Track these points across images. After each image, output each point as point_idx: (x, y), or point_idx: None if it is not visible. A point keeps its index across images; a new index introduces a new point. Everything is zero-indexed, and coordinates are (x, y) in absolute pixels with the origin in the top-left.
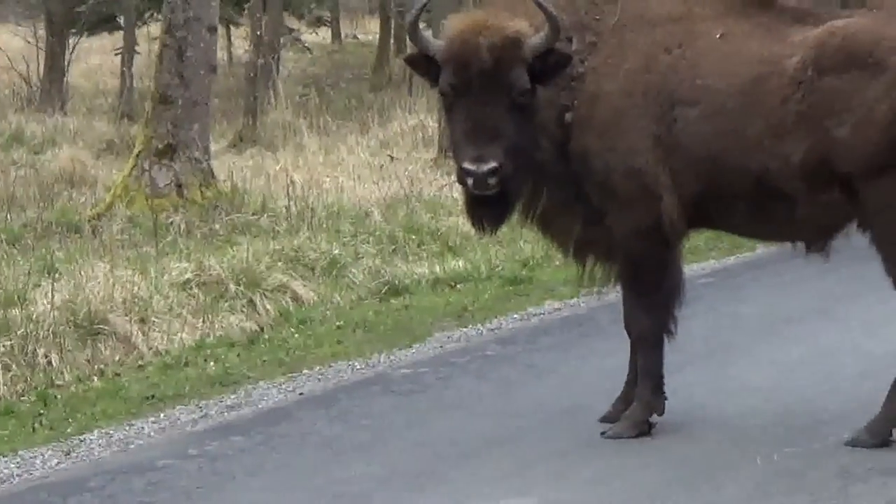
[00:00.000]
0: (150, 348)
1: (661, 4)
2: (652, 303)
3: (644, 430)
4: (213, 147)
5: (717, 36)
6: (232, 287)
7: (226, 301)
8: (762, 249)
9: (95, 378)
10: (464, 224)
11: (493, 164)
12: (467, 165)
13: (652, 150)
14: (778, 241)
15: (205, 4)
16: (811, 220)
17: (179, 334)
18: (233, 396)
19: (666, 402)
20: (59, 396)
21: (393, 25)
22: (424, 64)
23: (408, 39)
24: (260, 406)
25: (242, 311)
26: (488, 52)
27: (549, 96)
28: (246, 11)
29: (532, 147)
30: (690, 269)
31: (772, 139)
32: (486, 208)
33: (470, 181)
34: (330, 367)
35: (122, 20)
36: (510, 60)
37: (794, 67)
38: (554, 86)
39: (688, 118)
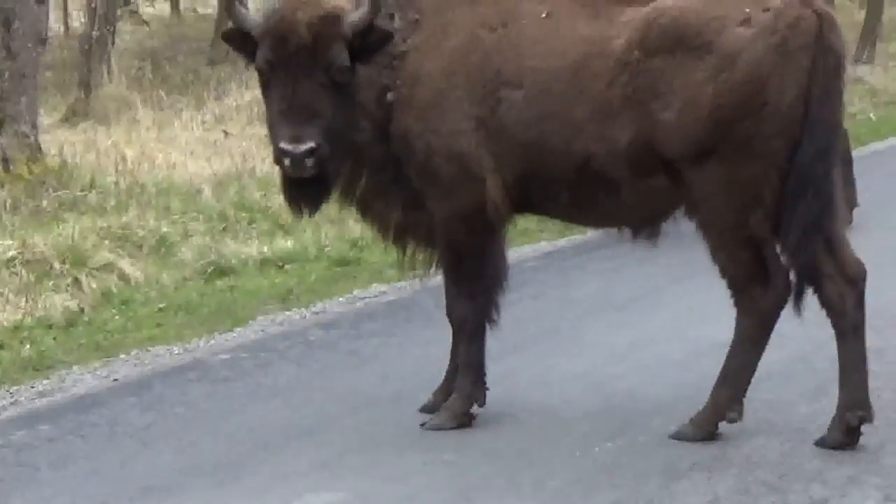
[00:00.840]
0: None
1: None
2: (473, 290)
3: (465, 421)
4: (45, 121)
5: (543, 15)
6: (57, 265)
7: (50, 280)
8: (593, 232)
9: None
10: None
11: (310, 145)
12: (284, 145)
13: (475, 132)
14: (603, 227)
15: None
16: (636, 206)
17: (1, 314)
18: (45, 382)
19: (487, 391)
20: None
21: None
22: (240, 40)
23: None
24: (72, 392)
25: (67, 291)
26: (306, 28)
27: (370, 75)
28: None
29: (351, 128)
30: (520, 251)
31: (597, 123)
32: (304, 190)
33: (287, 161)
34: (148, 351)
35: None
36: (329, 37)
37: (620, 49)
38: (375, 64)
39: (512, 100)
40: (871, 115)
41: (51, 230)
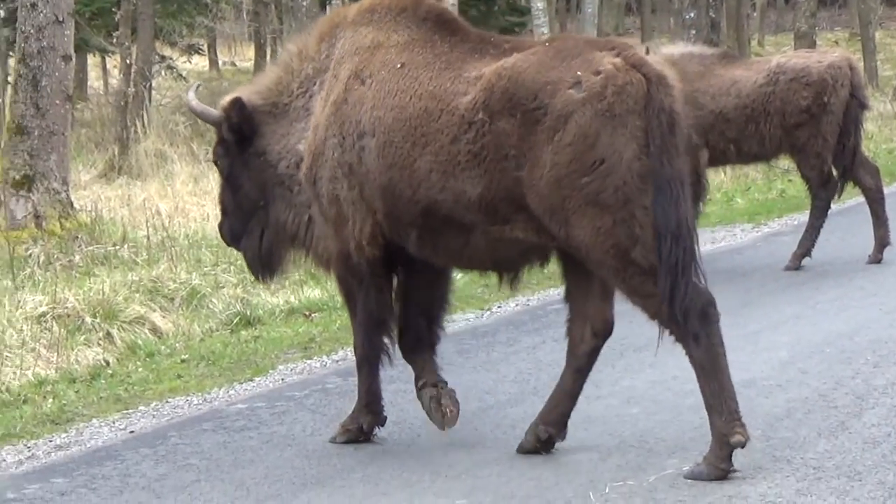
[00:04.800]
0: (2, 383)
1: (367, 34)
2: (359, 322)
3: (355, 437)
4: (83, 177)
5: (398, 66)
6: (88, 320)
7: (82, 334)
8: None
9: None
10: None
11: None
12: None
13: (347, 177)
14: (458, 268)
15: (59, 34)
16: (490, 250)
17: (32, 368)
18: (63, 435)
19: (384, 419)
20: None
21: (268, 52)
22: None
23: None
24: (89, 445)
25: (99, 345)
26: None
27: (286, 143)
28: (114, 40)
29: (242, 204)
30: (546, 294)
31: (441, 175)
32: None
33: None
34: (167, 402)
35: None
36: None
37: (465, 107)
38: (298, 130)
39: (369, 148)
40: None
41: (82, 285)
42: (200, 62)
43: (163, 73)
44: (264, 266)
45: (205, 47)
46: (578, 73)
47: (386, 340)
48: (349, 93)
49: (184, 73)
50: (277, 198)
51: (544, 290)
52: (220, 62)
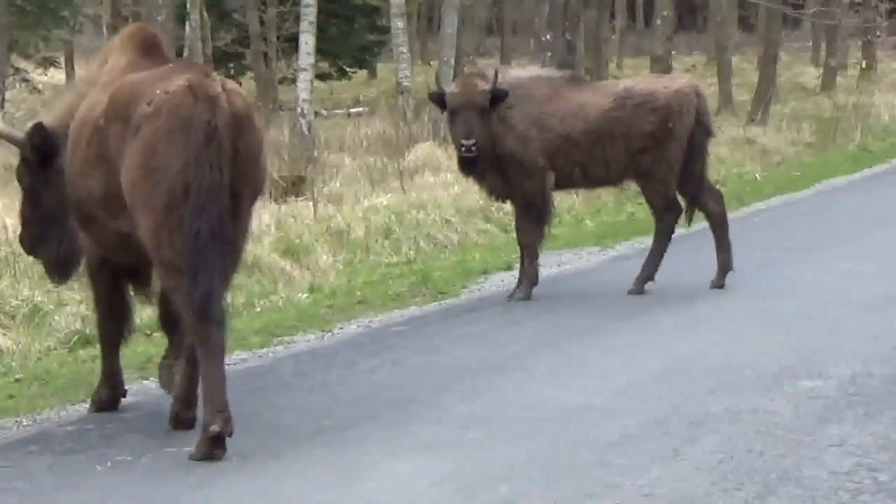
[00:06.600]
0: None
1: (109, 59)
2: None
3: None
4: None
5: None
6: None
7: None
8: (465, 295)
9: None
10: None
11: None
12: None
13: None
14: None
15: None
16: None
17: None
18: None
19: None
20: None
21: None
22: None
23: None
24: None
25: None
26: None
27: None
28: None
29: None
30: (388, 316)
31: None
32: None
33: None
34: None
35: None
36: None
37: (96, 115)
38: None
39: None
40: (757, 175)
41: None
42: (57, 75)
43: (17, 85)
44: (62, 270)
45: (62, 60)
46: (157, 91)
47: None
48: None
49: (39, 86)
50: None
51: (387, 312)
52: (77, 75)
